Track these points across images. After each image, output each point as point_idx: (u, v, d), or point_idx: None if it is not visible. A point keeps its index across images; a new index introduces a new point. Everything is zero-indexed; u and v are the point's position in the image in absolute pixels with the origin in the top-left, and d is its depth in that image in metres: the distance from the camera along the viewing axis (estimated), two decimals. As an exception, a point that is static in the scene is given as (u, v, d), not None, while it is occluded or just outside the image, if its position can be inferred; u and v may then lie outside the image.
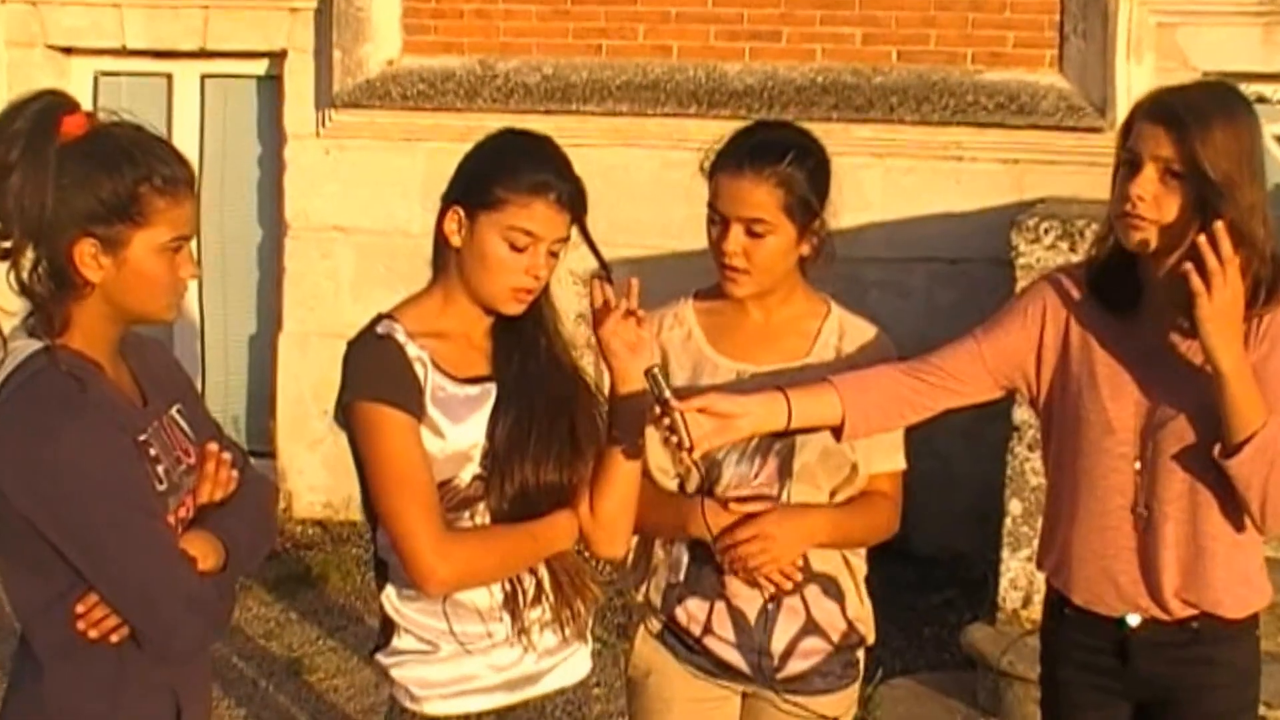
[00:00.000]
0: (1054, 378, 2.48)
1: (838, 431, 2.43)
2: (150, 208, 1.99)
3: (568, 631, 2.37)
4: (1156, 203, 2.30)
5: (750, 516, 2.48)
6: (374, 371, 2.21)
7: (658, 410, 2.23)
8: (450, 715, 2.31)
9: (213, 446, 2.18)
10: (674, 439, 2.23)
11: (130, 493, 1.97)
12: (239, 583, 2.20)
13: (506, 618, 2.29)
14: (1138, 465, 2.39)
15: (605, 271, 2.32)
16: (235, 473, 2.19)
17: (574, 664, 2.42)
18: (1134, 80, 5.42)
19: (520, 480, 2.26)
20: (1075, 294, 2.47)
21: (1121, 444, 2.40)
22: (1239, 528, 2.39)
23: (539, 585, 2.31)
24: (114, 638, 2.00)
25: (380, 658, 2.36)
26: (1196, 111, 2.29)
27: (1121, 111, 5.39)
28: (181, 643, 2.03)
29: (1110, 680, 2.49)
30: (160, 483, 2.04)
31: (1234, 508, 2.36)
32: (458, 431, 2.24)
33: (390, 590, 2.32)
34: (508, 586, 2.29)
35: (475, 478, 2.26)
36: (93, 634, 1.99)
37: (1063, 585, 2.51)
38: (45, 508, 1.93)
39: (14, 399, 1.95)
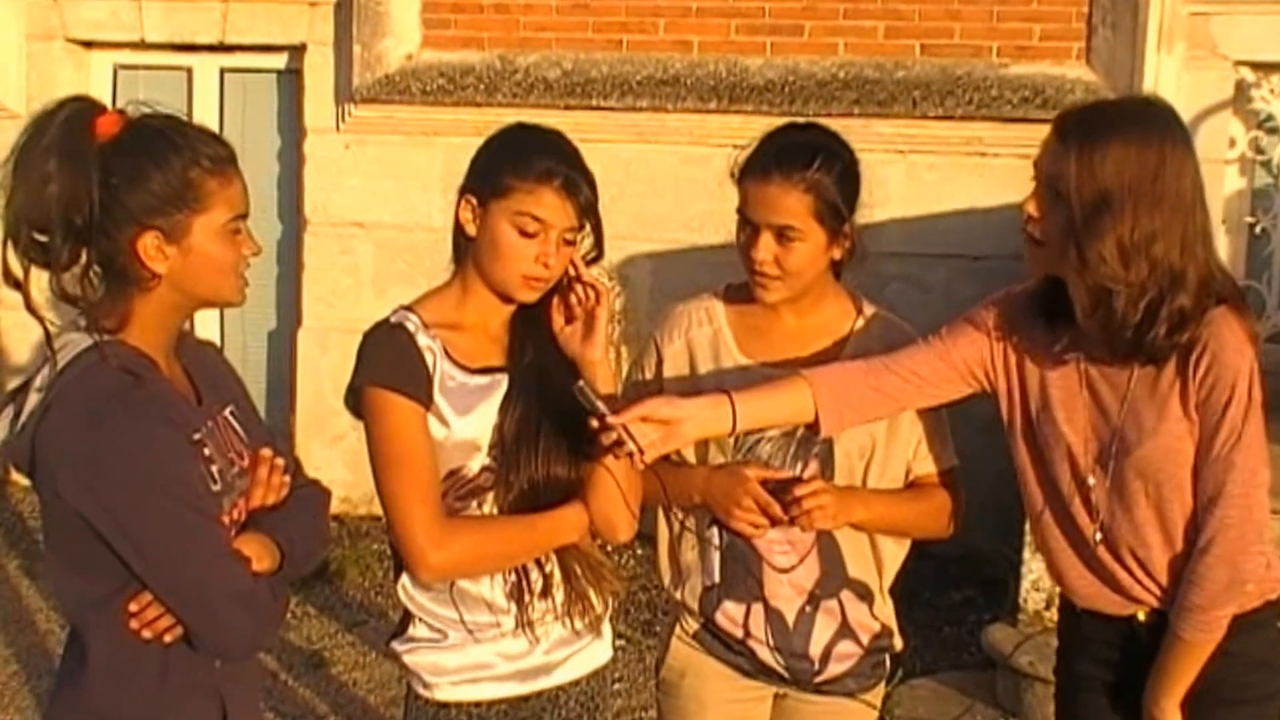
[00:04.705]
0: (1010, 394, 2.44)
1: (813, 427, 2.40)
2: (204, 191, 2.00)
3: (579, 624, 2.36)
4: (1045, 219, 2.26)
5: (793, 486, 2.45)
6: (383, 358, 2.24)
7: (595, 424, 2.19)
8: (462, 702, 2.32)
9: (266, 451, 2.16)
10: (624, 450, 2.19)
11: (183, 490, 1.95)
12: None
13: (513, 607, 2.29)
14: (1099, 481, 2.36)
15: (599, 253, 2.36)
16: (287, 478, 2.17)
17: (588, 656, 2.41)
18: (1163, 72, 5.37)
19: (527, 473, 2.26)
20: (1023, 316, 2.42)
21: (1081, 456, 2.37)
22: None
23: (547, 578, 2.30)
24: (167, 638, 1.98)
25: (395, 645, 2.37)
26: (1090, 128, 2.21)
27: (1148, 104, 5.35)
28: (234, 642, 2.01)
29: (1124, 674, 2.47)
30: (215, 482, 2.02)
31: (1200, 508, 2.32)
32: (464, 422, 2.25)
33: (405, 579, 2.33)
34: (512, 577, 2.29)
35: (484, 468, 2.27)
36: (146, 634, 1.97)
37: (1066, 591, 2.52)
38: (99, 504, 1.91)
39: (67, 395, 1.94)
